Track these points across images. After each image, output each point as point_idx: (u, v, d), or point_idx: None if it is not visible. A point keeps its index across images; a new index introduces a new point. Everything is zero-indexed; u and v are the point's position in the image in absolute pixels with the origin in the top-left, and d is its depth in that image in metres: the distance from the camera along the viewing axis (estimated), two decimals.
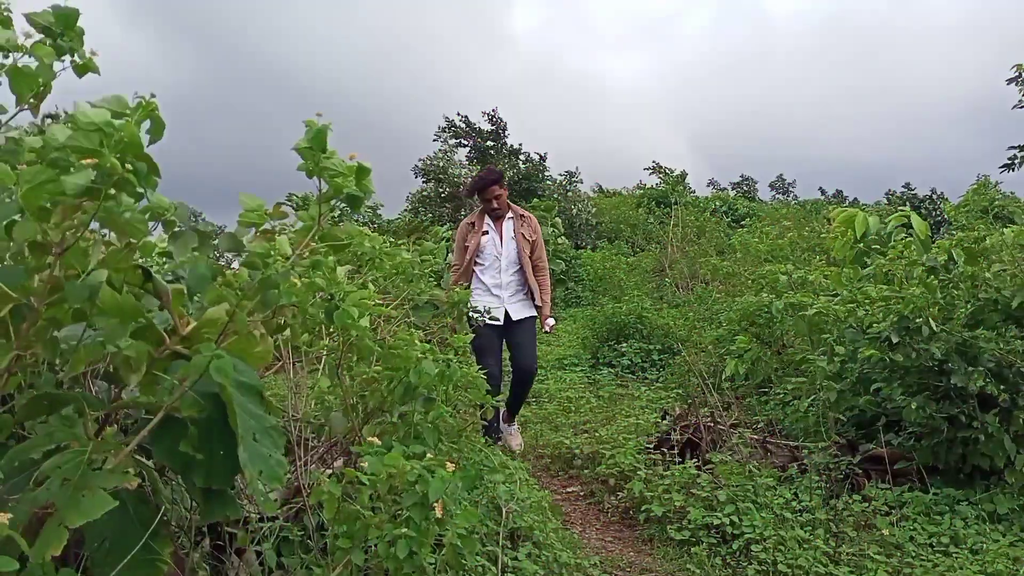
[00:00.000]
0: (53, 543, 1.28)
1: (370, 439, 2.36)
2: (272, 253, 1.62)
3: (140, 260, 1.65)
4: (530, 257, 5.67)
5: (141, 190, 1.49)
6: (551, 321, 5.78)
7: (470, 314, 5.10)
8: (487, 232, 5.64)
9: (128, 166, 1.39)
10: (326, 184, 1.84)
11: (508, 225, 5.68)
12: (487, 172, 5.86)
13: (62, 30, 1.83)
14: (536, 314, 5.63)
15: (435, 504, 2.12)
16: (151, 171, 1.49)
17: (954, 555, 3.36)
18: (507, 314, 5.47)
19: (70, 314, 1.48)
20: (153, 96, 1.56)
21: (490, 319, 5.25)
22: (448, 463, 2.27)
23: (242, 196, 1.77)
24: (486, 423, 5.10)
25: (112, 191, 1.40)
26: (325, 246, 1.98)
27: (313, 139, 1.78)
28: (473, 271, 5.63)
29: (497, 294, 5.53)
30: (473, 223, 5.74)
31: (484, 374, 4.78)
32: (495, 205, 5.59)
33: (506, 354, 5.70)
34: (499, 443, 5.31)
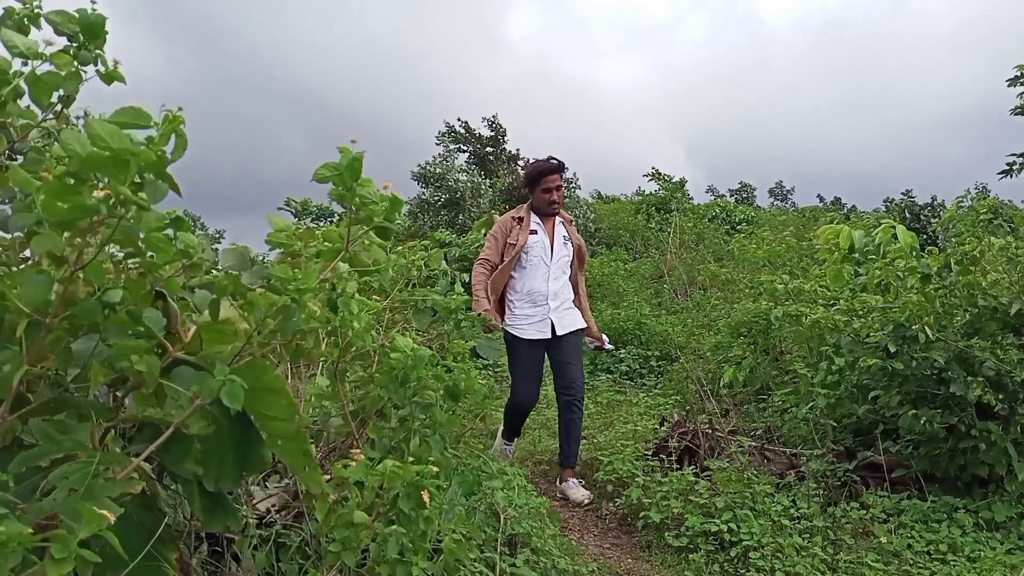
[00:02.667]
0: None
1: (355, 452, 2.36)
2: (296, 280, 1.61)
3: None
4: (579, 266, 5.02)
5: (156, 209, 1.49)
6: (606, 337, 5.24)
7: (506, 327, 4.71)
8: (535, 231, 4.84)
9: (142, 195, 1.39)
10: (355, 209, 1.85)
11: (560, 228, 4.93)
12: (547, 160, 4.95)
13: (87, 38, 1.79)
14: (584, 326, 4.94)
15: (423, 493, 2.13)
16: (172, 188, 1.50)
17: (952, 563, 3.37)
18: (552, 327, 4.73)
19: (85, 325, 1.49)
20: (180, 109, 1.55)
21: (534, 333, 4.69)
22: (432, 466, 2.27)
23: (271, 217, 1.79)
24: (505, 430, 4.89)
25: (128, 215, 1.40)
26: (352, 271, 1.99)
27: (347, 167, 1.79)
28: (510, 275, 4.84)
29: (541, 304, 4.75)
30: (520, 218, 4.89)
31: (516, 407, 4.77)
32: (554, 198, 4.84)
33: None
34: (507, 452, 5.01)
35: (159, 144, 1.49)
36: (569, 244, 4.93)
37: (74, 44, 1.78)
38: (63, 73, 1.72)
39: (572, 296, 4.91)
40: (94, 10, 1.79)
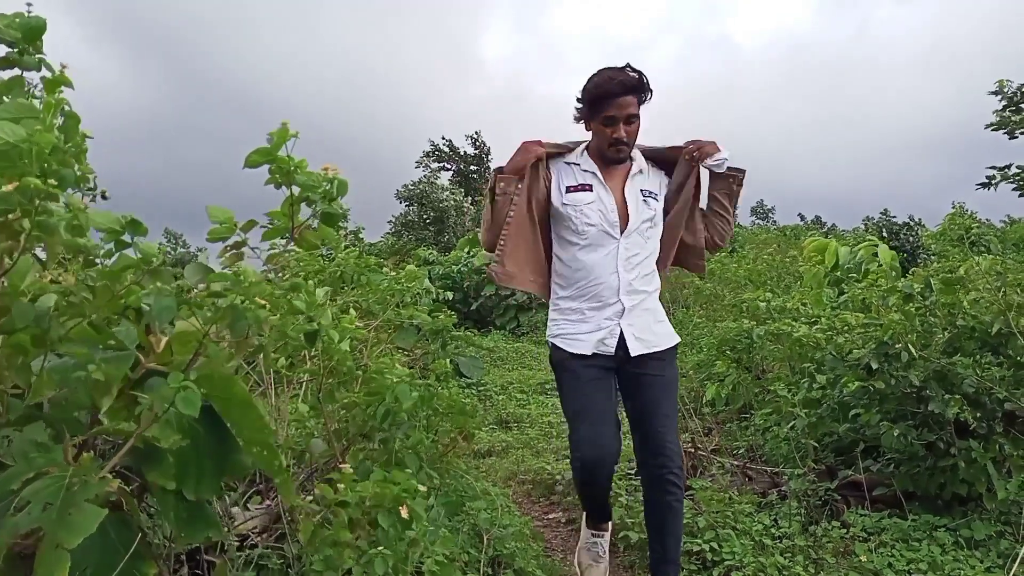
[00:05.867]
0: (57, 569, 1.26)
1: (344, 467, 2.37)
2: (238, 280, 1.59)
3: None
4: (692, 219, 3.17)
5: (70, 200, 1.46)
6: (725, 154, 3.06)
7: (549, 339, 3.06)
8: (587, 187, 3.00)
9: (52, 181, 1.36)
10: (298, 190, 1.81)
11: (639, 179, 3.07)
12: (608, 71, 2.90)
13: (28, 43, 1.70)
14: (677, 341, 3.13)
15: (402, 508, 2.14)
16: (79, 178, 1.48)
17: None
18: (622, 341, 2.94)
19: (30, 340, 1.46)
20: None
21: (592, 346, 2.95)
22: (420, 487, 2.28)
23: (210, 208, 1.73)
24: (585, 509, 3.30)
25: (41, 209, 1.37)
26: (302, 255, 1.96)
27: (273, 145, 1.74)
28: (555, 256, 3.09)
29: (609, 302, 2.95)
30: (547, 159, 3.07)
31: (584, 467, 2.96)
32: (621, 135, 2.92)
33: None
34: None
35: (48, 128, 1.45)
36: (653, 200, 3.06)
37: (15, 50, 1.70)
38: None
39: (654, 287, 3.09)
40: (30, 12, 1.70)
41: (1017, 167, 13.50)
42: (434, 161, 23.00)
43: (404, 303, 4.72)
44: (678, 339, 3.12)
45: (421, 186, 20.72)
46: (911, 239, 20.52)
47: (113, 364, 1.50)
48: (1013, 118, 13.17)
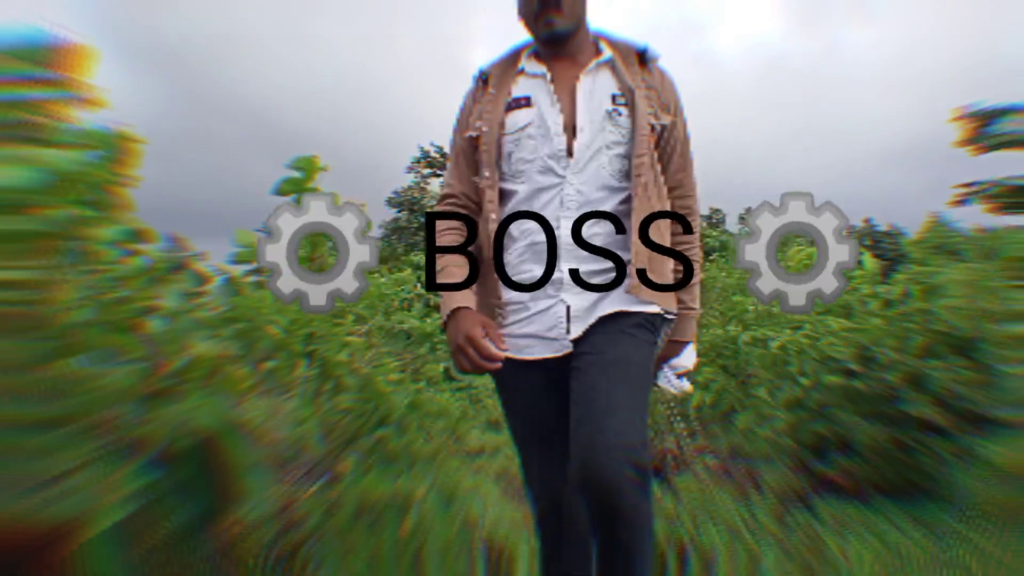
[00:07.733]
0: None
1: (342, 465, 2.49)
2: (257, 306, 1.66)
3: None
4: (662, 164, 1.92)
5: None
6: (689, 358, 2.07)
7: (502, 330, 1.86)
8: (526, 102, 1.85)
9: (91, 212, 1.42)
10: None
11: (604, 78, 1.87)
12: None
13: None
14: (651, 316, 1.82)
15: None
16: (123, 206, 1.55)
17: (900, 572, 3.52)
18: (567, 326, 1.79)
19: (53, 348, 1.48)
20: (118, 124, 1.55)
21: (532, 346, 1.84)
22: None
23: (238, 233, 1.83)
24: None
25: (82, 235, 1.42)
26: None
27: (304, 178, 1.86)
28: (487, 210, 1.88)
29: (538, 252, 1.81)
30: (486, 78, 1.94)
31: (541, 513, 2.16)
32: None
33: None
34: None
35: (105, 161, 1.52)
36: (622, 112, 1.83)
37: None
38: None
39: (624, 242, 1.84)
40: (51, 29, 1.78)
41: (979, 184, 13.76)
42: (425, 167, 23.06)
43: (395, 308, 4.82)
44: (655, 307, 1.85)
45: (412, 192, 20.80)
46: (893, 247, 20.72)
47: (133, 372, 1.57)
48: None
